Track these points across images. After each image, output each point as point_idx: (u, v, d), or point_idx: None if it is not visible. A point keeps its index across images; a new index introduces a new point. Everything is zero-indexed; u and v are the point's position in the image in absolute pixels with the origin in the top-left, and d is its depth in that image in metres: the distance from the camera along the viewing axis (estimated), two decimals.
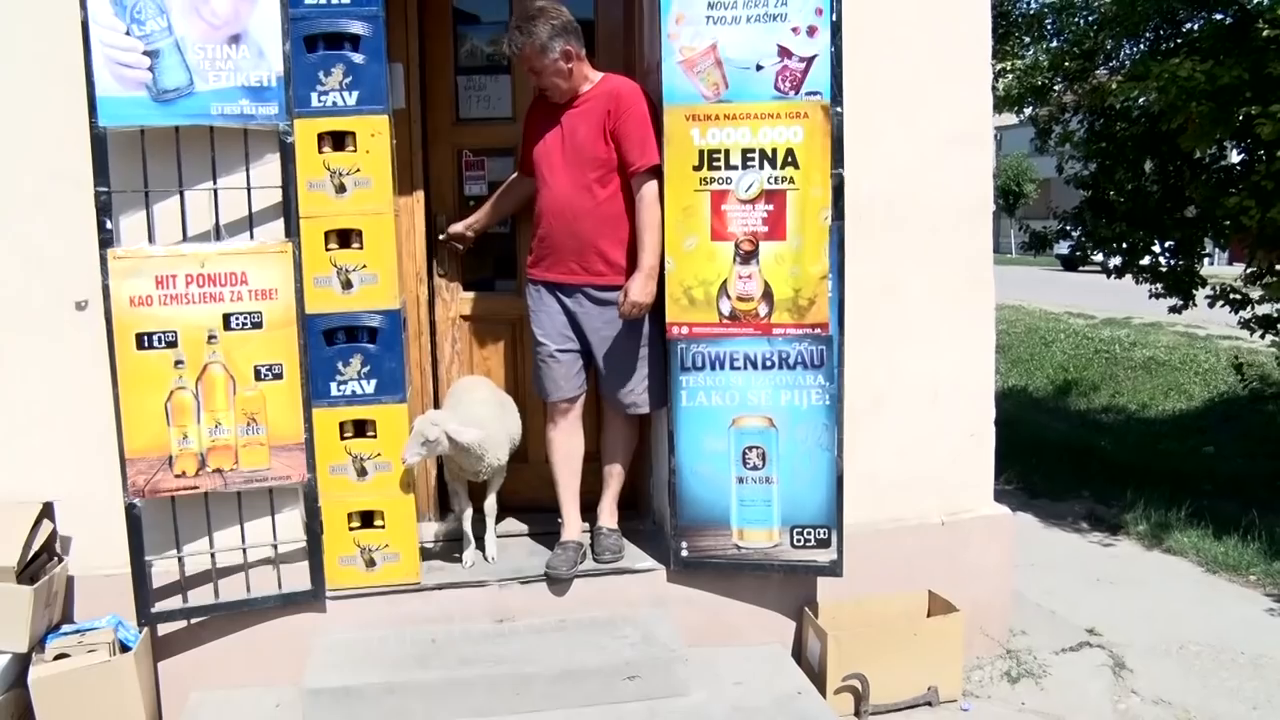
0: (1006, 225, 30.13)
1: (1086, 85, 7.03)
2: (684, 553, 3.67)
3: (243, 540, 3.48)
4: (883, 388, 3.86)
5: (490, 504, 3.85)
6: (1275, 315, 6.20)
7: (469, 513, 3.79)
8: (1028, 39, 7.50)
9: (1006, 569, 4.10)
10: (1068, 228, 7.45)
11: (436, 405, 4.06)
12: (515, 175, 4.00)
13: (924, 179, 3.85)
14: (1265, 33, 4.93)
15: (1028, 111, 7.83)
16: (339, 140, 3.39)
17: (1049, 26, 7.53)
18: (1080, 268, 23.49)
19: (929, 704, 3.66)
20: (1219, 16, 6.21)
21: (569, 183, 3.64)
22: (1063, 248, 8.59)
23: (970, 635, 3.88)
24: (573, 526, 3.86)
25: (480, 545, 3.85)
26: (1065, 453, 7.56)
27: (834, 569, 3.65)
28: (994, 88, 7.28)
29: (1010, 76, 7.36)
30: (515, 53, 3.60)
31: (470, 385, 3.95)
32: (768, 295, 3.51)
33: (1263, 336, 6.47)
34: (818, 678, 3.59)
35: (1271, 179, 5.38)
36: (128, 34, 3.17)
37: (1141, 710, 3.68)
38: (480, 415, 3.68)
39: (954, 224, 3.89)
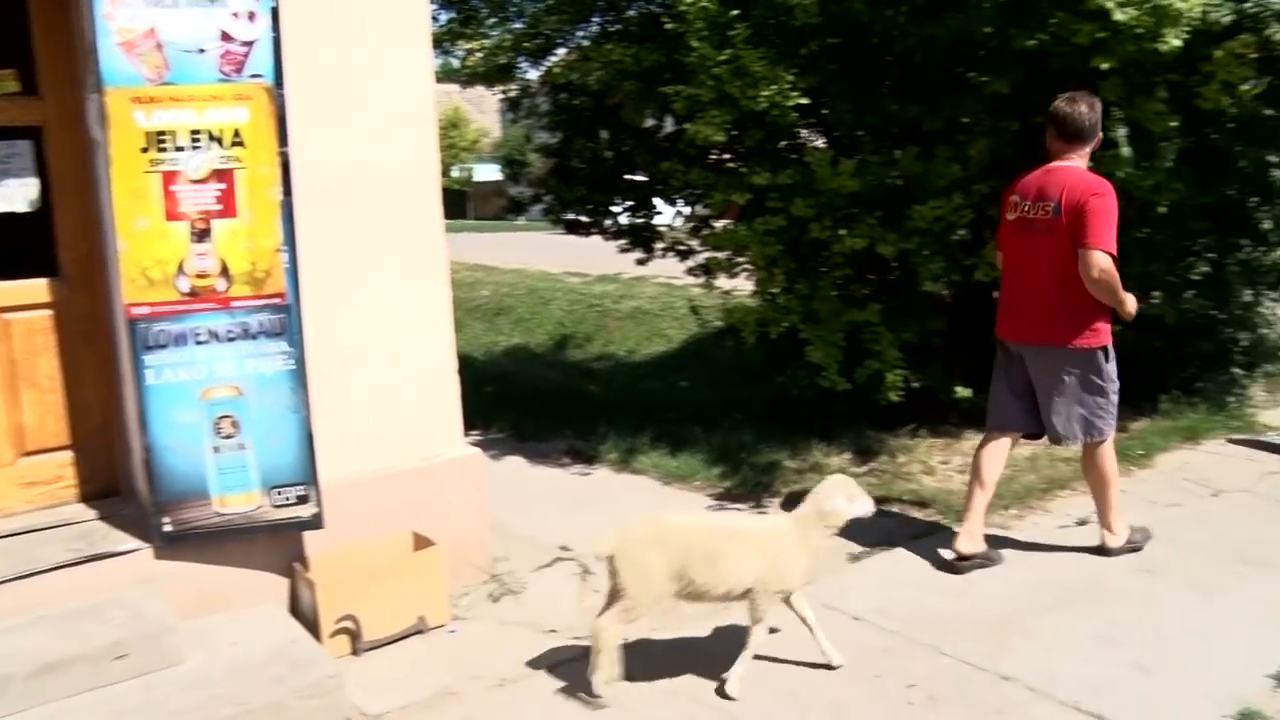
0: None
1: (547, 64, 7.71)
2: (167, 528, 3.74)
3: None
4: (349, 349, 4.13)
5: None
6: (708, 263, 7.25)
7: None
8: (492, 21, 8.01)
9: (482, 503, 4.58)
10: (539, 193, 8.16)
11: None
12: None
13: (373, 156, 4.14)
14: (668, 26, 5.77)
15: (499, 88, 8.39)
16: None
17: (512, 9, 8.12)
18: (582, 231, 25.20)
19: (420, 632, 4.04)
20: (649, 6, 7.10)
21: None
22: (536, 212, 9.30)
23: (456, 566, 4.30)
24: None
25: None
26: (555, 400, 8.31)
27: (316, 522, 3.91)
28: (464, 65, 7.80)
29: (479, 55, 7.83)
30: None
31: None
32: (225, 271, 3.65)
33: (702, 281, 7.53)
34: (313, 625, 3.83)
35: (692, 146, 6.31)
36: None
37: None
38: None
39: (404, 195, 4.24)
